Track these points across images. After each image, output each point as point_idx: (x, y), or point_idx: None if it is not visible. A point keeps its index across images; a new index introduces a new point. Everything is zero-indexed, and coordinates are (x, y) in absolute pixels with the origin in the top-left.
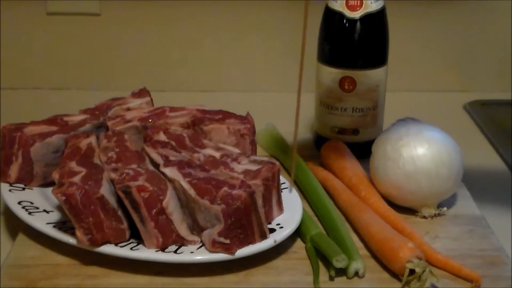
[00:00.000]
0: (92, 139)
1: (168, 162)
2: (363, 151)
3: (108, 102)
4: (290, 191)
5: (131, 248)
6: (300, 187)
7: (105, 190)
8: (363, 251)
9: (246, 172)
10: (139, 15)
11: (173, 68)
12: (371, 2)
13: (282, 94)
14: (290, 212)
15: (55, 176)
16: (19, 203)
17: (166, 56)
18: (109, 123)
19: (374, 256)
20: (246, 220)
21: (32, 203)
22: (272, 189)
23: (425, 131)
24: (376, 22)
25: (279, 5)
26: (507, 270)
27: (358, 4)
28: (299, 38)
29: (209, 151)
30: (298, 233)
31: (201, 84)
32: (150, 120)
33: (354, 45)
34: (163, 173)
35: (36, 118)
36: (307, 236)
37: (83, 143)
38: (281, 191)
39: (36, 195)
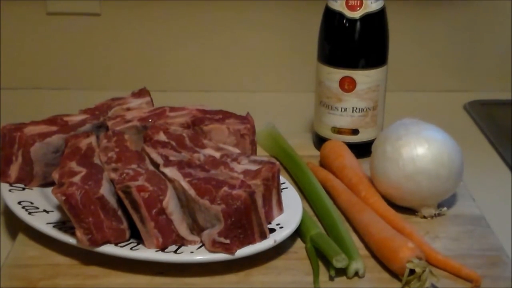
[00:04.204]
0: (92, 139)
1: (168, 162)
2: (363, 151)
3: (108, 102)
4: None
5: (131, 248)
6: (300, 187)
7: (105, 190)
8: (363, 251)
9: (246, 172)
10: (139, 15)
11: (173, 68)
12: (371, 2)
13: (282, 94)
14: (290, 212)
15: (55, 176)
16: (19, 203)
17: (166, 56)
18: (109, 123)
19: (374, 256)
20: (246, 220)
21: (32, 203)
22: (272, 189)
23: (425, 131)
24: (376, 22)
25: (280, 5)
26: (507, 270)
27: (358, 4)
28: (300, 38)
29: (209, 151)
30: (298, 233)
31: (201, 84)
32: (150, 120)
33: (354, 45)
34: (163, 173)
35: (36, 118)
36: (307, 236)
37: (83, 143)
38: (281, 191)
39: (36, 195)
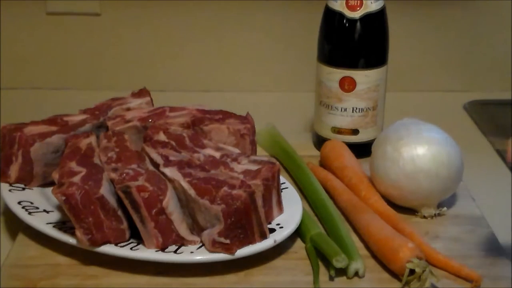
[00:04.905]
0: (92, 139)
1: (168, 162)
2: (363, 151)
3: (108, 102)
4: None
5: (131, 248)
6: (300, 187)
7: (105, 190)
8: (363, 251)
9: (246, 172)
10: (139, 15)
11: (173, 68)
12: (371, 2)
13: (282, 94)
14: (290, 212)
15: (55, 176)
16: (19, 203)
17: (166, 56)
18: (109, 123)
19: (374, 256)
20: (246, 220)
21: (32, 203)
22: (272, 189)
23: (425, 131)
24: (376, 22)
25: (280, 5)
26: (507, 270)
27: (358, 4)
28: (299, 38)
29: (209, 151)
30: (298, 233)
31: (201, 84)
32: (150, 120)
33: (354, 45)
34: (163, 173)
35: (36, 118)
36: (307, 236)
37: (83, 143)
38: (281, 191)
39: (36, 195)
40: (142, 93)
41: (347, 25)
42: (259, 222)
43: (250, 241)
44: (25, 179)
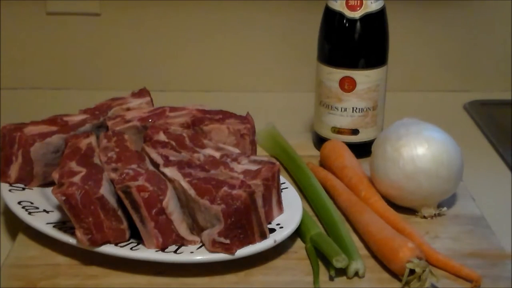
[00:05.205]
0: (92, 139)
1: (168, 162)
2: (363, 151)
3: (108, 102)
4: None
5: (131, 248)
6: (300, 187)
7: (105, 190)
8: (363, 251)
9: (246, 172)
10: (139, 15)
11: (173, 68)
12: (371, 2)
13: (282, 94)
14: (290, 212)
15: (55, 176)
16: (19, 203)
17: (166, 56)
18: (109, 123)
19: (374, 256)
20: (246, 220)
21: (32, 203)
22: (272, 189)
23: (425, 131)
24: (376, 22)
25: (280, 5)
26: (507, 270)
27: (358, 4)
28: (300, 39)
29: (209, 151)
30: (298, 233)
31: (201, 84)
32: (150, 120)
33: (354, 45)
34: (163, 173)
35: (36, 118)
36: (307, 236)
37: (83, 143)
38: (281, 191)
39: (36, 195)
40: (142, 93)
41: (347, 25)
42: (259, 222)
43: (250, 241)
44: (25, 179)
